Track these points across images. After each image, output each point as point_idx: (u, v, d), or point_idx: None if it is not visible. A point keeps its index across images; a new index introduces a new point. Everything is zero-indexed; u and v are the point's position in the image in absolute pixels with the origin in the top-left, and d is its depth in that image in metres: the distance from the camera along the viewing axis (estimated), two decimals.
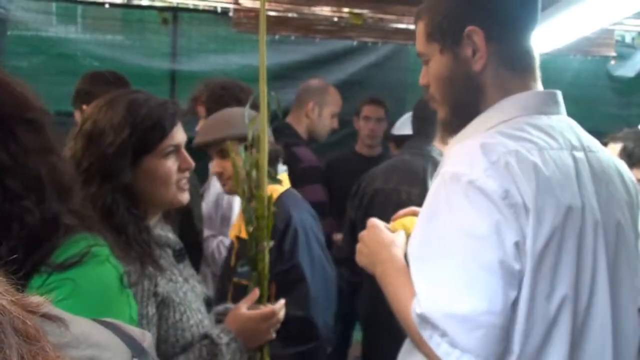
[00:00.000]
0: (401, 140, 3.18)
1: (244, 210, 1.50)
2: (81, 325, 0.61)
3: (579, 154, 1.11)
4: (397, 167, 2.48)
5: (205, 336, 1.34)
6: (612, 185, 1.13)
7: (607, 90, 4.50)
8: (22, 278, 0.89)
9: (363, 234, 1.30)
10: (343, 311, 3.45)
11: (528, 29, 1.16)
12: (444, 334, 0.97)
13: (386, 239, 1.25)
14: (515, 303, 1.00)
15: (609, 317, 1.07)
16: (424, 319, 1.00)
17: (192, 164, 1.36)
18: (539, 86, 1.17)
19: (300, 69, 4.05)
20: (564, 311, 1.02)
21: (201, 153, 2.58)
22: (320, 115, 2.93)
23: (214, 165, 1.95)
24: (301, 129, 2.90)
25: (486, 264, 0.97)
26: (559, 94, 1.17)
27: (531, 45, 1.17)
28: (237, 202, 2.42)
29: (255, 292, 1.47)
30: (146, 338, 0.72)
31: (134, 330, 0.72)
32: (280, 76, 3.99)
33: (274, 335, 1.47)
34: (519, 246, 0.98)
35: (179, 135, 1.33)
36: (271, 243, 1.50)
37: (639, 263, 1.15)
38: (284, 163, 2.06)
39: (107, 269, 0.98)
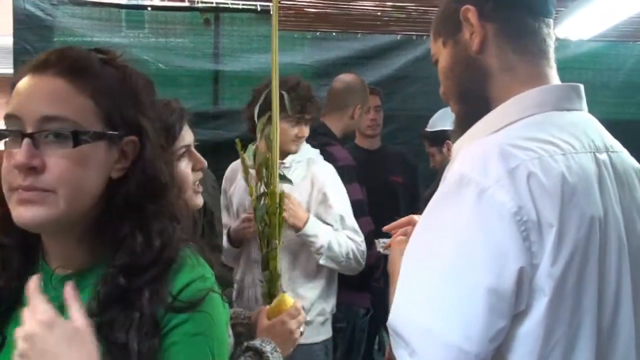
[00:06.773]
0: (436, 137, 3.03)
1: (255, 208, 1.48)
2: None
3: (602, 156, 0.99)
4: None
5: (248, 348, 1.35)
6: (634, 188, 1.02)
7: None
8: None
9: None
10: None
11: (534, 8, 1.05)
12: (407, 344, 0.90)
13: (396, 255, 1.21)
14: (528, 330, 0.88)
15: (633, 335, 0.96)
16: (392, 328, 0.94)
17: (205, 162, 1.34)
18: (555, 74, 1.06)
19: (343, 65, 3.99)
20: (586, 332, 0.91)
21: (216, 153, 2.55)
22: (361, 115, 2.94)
23: None
24: (338, 128, 2.84)
25: (472, 287, 0.86)
26: (582, 87, 1.05)
27: (542, 27, 1.05)
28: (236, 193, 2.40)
29: (264, 308, 1.50)
30: None
31: None
32: (323, 73, 3.92)
33: (300, 337, 1.48)
34: (523, 272, 0.86)
35: (188, 135, 1.31)
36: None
37: None
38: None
39: (219, 302, 0.95)
